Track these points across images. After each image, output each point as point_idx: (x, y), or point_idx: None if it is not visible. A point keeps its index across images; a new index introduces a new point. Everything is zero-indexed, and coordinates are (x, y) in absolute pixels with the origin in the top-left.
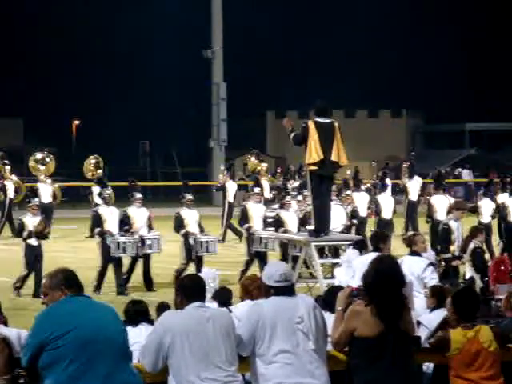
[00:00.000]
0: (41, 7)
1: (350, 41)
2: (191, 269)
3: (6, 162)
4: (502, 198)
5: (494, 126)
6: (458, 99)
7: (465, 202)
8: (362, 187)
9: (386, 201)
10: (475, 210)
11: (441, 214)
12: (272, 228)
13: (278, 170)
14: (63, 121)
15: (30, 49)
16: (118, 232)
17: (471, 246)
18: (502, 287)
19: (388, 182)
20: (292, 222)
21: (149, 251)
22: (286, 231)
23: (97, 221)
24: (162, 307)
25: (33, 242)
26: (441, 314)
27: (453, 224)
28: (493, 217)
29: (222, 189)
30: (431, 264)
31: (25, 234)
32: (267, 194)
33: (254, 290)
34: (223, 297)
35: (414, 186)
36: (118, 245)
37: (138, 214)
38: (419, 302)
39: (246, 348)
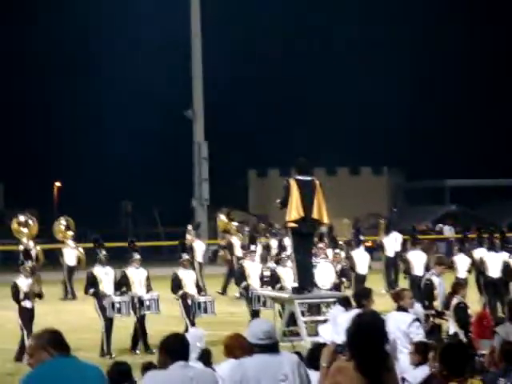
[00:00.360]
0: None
1: (329, 98)
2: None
3: (233, 217)
4: (480, 253)
5: (474, 182)
6: (439, 156)
7: (446, 257)
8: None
9: (361, 256)
10: (451, 266)
11: (418, 270)
12: (268, 286)
13: (246, 229)
14: (44, 183)
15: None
16: (114, 292)
17: (454, 301)
18: (485, 342)
19: (361, 238)
20: (288, 277)
21: (147, 312)
22: (281, 288)
23: (92, 281)
24: (148, 367)
25: (27, 304)
26: (426, 369)
27: (435, 279)
28: (469, 271)
29: (190, 249)
30: (417, 319)
31: (21, 296)
32: (239, 253)
33: (237, 349)
34: (203, 357)
35: (390, 242)
36: (113, 305)
37: (137, 275)
38: (405, 357)
39: None
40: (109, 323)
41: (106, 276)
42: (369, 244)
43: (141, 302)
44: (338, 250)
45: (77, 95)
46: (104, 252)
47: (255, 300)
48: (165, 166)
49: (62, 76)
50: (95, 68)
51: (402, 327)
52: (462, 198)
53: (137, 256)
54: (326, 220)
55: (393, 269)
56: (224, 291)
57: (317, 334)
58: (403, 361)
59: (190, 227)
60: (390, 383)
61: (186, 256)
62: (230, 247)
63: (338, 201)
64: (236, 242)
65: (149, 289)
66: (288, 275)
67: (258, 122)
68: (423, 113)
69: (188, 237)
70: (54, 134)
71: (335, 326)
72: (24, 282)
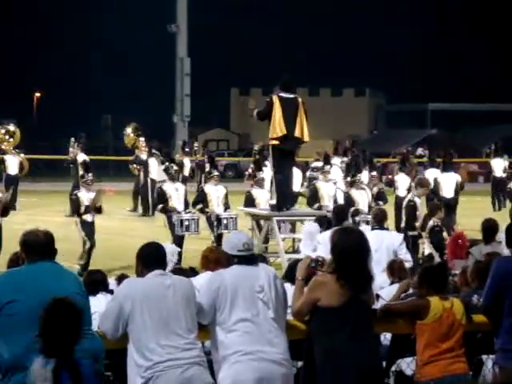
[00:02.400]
0: None
1: (314, 18)
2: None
3: (140, 133)
4: (433, 173)
5: (456, 106)
6: (422, 79)
7: (428, 180)
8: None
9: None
10: (391, 185)
11: (401, 191)
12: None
13: (196, 145)
14: (24, 93)
15: None
16: (184, 209)
17: (430, 223)
18: (459, 262)
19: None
20: (263, 199)
21: (225, 231)
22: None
23: (161, 197)
24: (122, 277)
25: (88, 217)
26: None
27: (417, 201)
28: (408, 191)
29: (73, 163)
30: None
31: (82, 209)
32: (155, 176)
33: (213, 262)
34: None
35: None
36: (182, 223)
37: (215, 192)
38: (380, 275)
39: (206, 316)
40: (178, 240)
41: (175, 192)
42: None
43: (218, 220)
44: (374, 173)
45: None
46: (175, 167)
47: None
48: (148, 82)
49: None
50: None
51: (392, 245)
52: (443, 122)
53: (215, 172)
54: (307, 138)
55: None
56: (135, 209)
57: (294, 252)
58: (378, 278)
59: (72, 140)
60: (368, 301)
61: (215, 172)
62: (140, 163)
63: (320, 122)
64: (152, 162)
65: (226, 207)
66: (263, 196)
67: (242, 40)
68: (409, 35)
69: (70, 149)
70: (37, 41)
71: (311, 242)
72: (85, 196)
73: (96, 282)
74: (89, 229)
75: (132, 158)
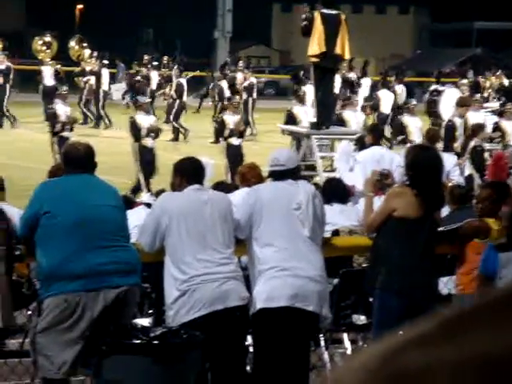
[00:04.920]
0: None
1: None
2: None
3: (85, 44)
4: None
5: (502, 25)
6: None
7: (469, 98)
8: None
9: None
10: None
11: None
12: None
13: (146, 58)
14: (66, 5)
15: None
16: None
17: (472, 143)
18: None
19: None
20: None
21: None
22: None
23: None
24: (160, 192)
25: (233, 141)
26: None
27: (457, 121)
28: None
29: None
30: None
31: (226, 132)
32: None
33: (252, 178)
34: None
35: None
36: None
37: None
38: None
39: (242, 230)
40: None
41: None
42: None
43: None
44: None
45: None
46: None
47: None
48: None
49: None
50: None
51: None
52: (488, 41)
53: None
54: (348, 56)
55: None
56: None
57: (332, 170)
58: None
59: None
60: (438, 219)
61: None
62: (92, 75)
63: (363, 39)
64: (104, 73)
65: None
66: (305, 113)
67: None
68: None
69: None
70: None
71: (347, 161)
72: (231, 119)
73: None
74: (234, 152)
75: (77, 70)
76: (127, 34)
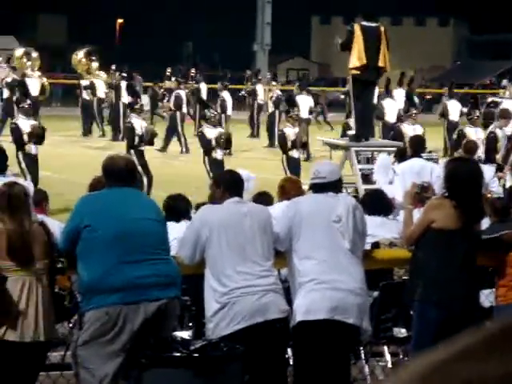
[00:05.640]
0: None
1: None
2: None
3: (94, 58)
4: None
5: None
6: (507, 9)
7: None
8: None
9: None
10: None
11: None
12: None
13: (168, 70)
14: (107, 19)
15: None
16: None
17: None
18: None
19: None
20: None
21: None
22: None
23: None
24: (201, 205)
25: (294, 154)
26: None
27: (499, 132)
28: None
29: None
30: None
31: (289, 144)
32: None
33: (292, 190)
34: (263, 200)
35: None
36: None
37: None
38: None
39: (282, 243)
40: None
41: None
42: (428, 97)
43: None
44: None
45: None
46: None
47: None
48: (227, 9)
49: None
50: None
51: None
52: None
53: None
54: (388, 68)
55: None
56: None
57: (370, 182)
58: None
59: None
60: (478, 232)
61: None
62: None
63: (402, 51)
64: (99, 83)
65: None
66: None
67: None
68: None
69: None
70: None
71: (386, 173)
72: (291, 131)
73: (182, 209)
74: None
75: (83, 82)
76: (167, 48)
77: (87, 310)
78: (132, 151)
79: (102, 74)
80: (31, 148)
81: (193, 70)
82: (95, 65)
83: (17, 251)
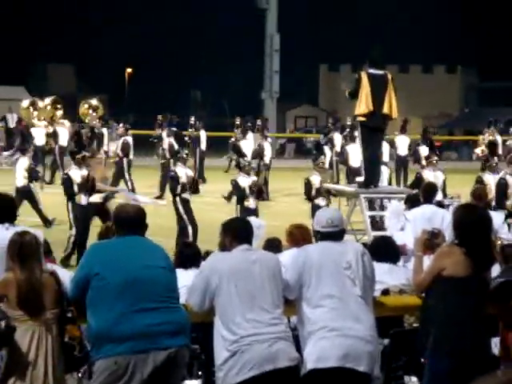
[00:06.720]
0: None
1: None
2: None
3: (59, 106)
4: None
5: None
6: None
7: None
8: None
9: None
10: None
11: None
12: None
13: (159, 118)
14: (116, 68)
15: None
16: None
17: None
18: None
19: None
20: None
21: None
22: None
23: None
24: (209, 253)
25: (320, 202)
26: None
27: (509, 178)
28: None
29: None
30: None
31: (313, 192)
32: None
33: (301, 237)
34: (272, 246)
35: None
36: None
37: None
38: None
39: (292, 291)
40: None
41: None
42: (438, 144)
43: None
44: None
45: None
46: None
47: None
48: (236, 58)
49: None
50: None
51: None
52: None
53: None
54: (395, 115)
55: None
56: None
57: (380, 229)
58: None
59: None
60: (488, 280)
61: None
62: (54, 136)
63: (410, 99)
64: (62, 131)
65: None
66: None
67: (330, 16)
68: (502, 12)
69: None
70: (127, 18)
71: (398, 221)
72: (317, 179)
73: (191, 256)
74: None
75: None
76: (176, 96)
77: (96, 359)
78: (177, 199)
79: (66, 122)
80: (81, 198)
81: (192, 118)
82: (60, 113)
83: (27, 301)
